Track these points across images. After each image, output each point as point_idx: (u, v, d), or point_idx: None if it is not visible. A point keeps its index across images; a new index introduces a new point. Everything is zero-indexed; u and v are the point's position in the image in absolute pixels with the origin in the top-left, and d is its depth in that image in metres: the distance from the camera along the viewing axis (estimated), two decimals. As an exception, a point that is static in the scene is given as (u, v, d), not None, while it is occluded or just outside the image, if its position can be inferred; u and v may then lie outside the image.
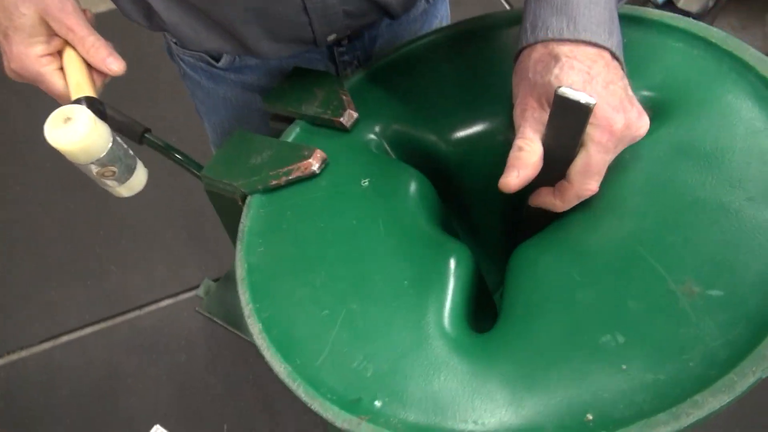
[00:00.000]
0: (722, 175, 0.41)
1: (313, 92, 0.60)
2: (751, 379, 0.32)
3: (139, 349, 1.47)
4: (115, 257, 1.63)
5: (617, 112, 0.38)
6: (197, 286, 1.51)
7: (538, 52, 0.41)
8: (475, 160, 0.55)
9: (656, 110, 0.47)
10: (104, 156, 0.52)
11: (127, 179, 0.58)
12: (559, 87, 0.37)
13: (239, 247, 0.51)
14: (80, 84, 0.54)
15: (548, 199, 0.43)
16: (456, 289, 0.43)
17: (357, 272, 0.46)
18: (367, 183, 0.52)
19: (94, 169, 0.53)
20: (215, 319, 0.83)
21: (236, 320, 0.85)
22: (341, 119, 0.57)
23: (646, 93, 0.47)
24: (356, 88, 0.62)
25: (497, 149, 0.55)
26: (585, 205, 0.43)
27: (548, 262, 0.41)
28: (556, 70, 0.39)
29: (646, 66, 0.49)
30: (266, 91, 0.71)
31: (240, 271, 0.49)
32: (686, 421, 0.31)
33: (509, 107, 0.54)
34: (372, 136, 0.58)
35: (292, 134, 0.59)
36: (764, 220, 0.38)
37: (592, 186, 0.41)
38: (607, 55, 0.40)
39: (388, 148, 0.58)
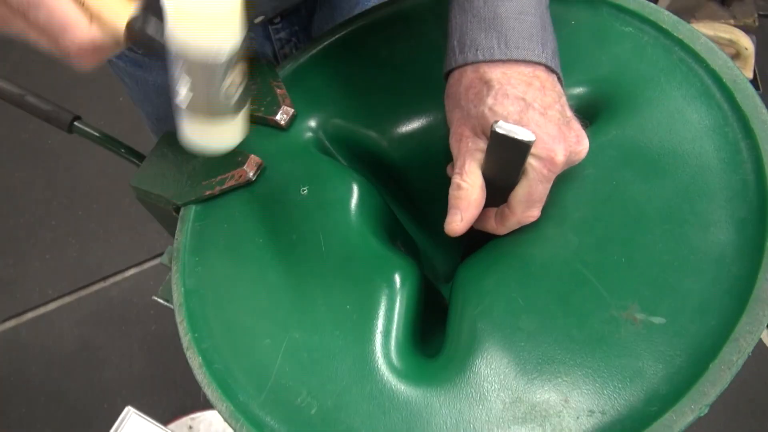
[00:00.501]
0: (668, 187, 0.39)
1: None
2: (689, 418, 0.32)
3: (108, 321, 1.45)
4: (73, 228, 1.58)
5: (558, 143, 0.36)
6: (161, 254, 1.49)
7: (468, 77, 0.38)
8: (419, 157, 0.52)
9: (602, 106, 0.44)
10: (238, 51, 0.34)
11: (216, 116, 0.37)
12: (496, 122, 0.34)
13: (175, 267, 0.48)
14: None
15: (489, 224, 0.42)
16: (402, 311, 0.42)
17: (298, 296, 0.44)
18: (306, 192, 0.49)
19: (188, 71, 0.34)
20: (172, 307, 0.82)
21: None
22: (276, 118, 0.53)
23: (591, 87, 0.45)
24: (291, 77, 0.57)
25: (442, 145, 0.52)
26: (530, 217, 0.41)
27: (492, 285, 0.40)
28: (489, 100, 0.37)
29: (592, 54, 0.46)
30: None
31: (177, 296, 0.47)
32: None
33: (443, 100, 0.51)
34: (310, 133, 0.54)
35: (226, 135, 0.55)
36: (708, 241, 0.36)
37: (534, 213, 0.39)
38: (542, 73, 0.37)
39: (329, 145, 0.54)
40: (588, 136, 0.38)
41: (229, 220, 0.50)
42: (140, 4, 0.35)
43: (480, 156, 0.39)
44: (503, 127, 0.34)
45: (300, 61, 0.57)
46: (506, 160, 0.37)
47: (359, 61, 0.56)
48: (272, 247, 0.47)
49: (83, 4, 0.34)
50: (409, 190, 0.56)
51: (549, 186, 0.38)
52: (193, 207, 0.51)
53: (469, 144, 0.39)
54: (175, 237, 0.50)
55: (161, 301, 0.87)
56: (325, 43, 0.57)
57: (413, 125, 0.52)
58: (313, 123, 0.54)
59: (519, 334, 0.37)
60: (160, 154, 0.55)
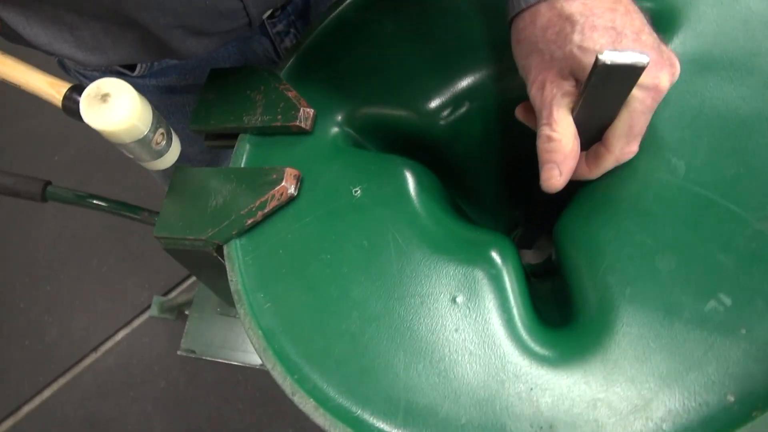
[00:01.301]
0: (756, 83, 0.37)
1: (249, 96, 0.50)
2: None
3: (112, 391, 1.36)
4: (44, 306, 1.47)
5: (660, 68, 0.33)
6: (148, 307, 1.40)
7: (544, 16, 0.35)
8: (457, 126, 0.48)
9: (657, 19, 0.42)
10: (143, 137, 0.43)
11: (158, 158, 0.47)
12: (600, 54, 0.30)
13: (242, 311, 0.43)
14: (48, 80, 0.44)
15: (580, 169, 0.38)
16: (514, 287, 0.38)
17: (395, 305, 0.39)
18: (359, 192, 0.44)
19: (124, 148, 0.44)
20: (203, 357, 0.76)
21: (222, 349, 0.77)
22: (298, 122, 0.48)
23: (644, 3, 0.42)
24: (296, 75, 0.52)
25: (484, 109, 0.48)
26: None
27: (611, 234, 0.37)
28: (576, 37, 0.33)
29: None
30: (195, 88, 0.60)
31: (258, 342, 0.42)
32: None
33: (486, 54, 0.47)
34: (336, 129, 0.49)
35: (244, 156, 0.50)
36: (826, 124, 0.34)
37: (633, 148, 0.36)
38: None
39: (358, 136, 0.50)
40: None
41: (284, 245, 0.44)
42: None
43: (568, 100, 0.35)
44: (611, 57, 0.30)
45: (301, 54, 0.52)
46: (609, 95, 0.33)
47: (364, 38, 0.51)
48: (344, 260, 0.42)
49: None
50: (451, 163, 0.53)
51: (650, 117, 0.35)
52: (237, 241, 0.46)
53: (554, 89, 0.36)
54: (229, 279, 0.45)
55: (185, 353, 0.81)
56: (322, 26, 0.52)
57: (445, 94, 0.48)
58: (336, 117, 0.49)
59: (659, 276, 0.34)
60: (179, 193, 0.49)
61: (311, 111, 0.48)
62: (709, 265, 0.34)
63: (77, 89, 0.43)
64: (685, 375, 0.32)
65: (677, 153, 0.37)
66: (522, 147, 0.43)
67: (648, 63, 0.30)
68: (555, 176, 0.36)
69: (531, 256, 0.58)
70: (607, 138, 0.36)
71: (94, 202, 0.70)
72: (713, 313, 0.33)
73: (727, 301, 0.32)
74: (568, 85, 0.35)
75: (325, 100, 0.50)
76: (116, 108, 0.40)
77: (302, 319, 0.41)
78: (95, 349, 1.40)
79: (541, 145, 0.37)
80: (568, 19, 0.34)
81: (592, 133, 0.37)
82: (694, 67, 0.39)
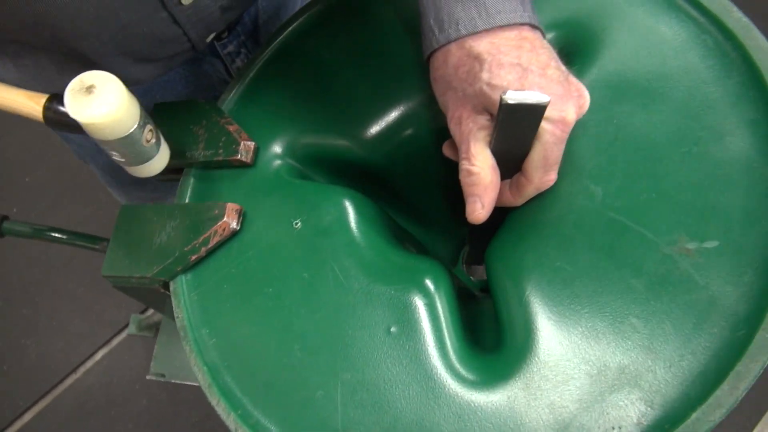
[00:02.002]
0: (669, 109, 0.38)
1: (192, 131, 0.51)
2: (781, 331, 0.31)
3: (94, 411, 1.36)
4: (23, 330, 1.46)
5: (566, 101, 0.34)
6: (126, 325, 1.40)
7: (455, 55, 0.36)
8: (398, 152, 0.50)
9: (573, 48, 0.43)
10: (127, 136, 0.41)
11: (147, 159, 0.45)
12: (503, 93, 0.32)
13: (188, 348, 0.44)
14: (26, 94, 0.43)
15: (505, 197, 0.40)
16: (447, 314, 0.39)
17: (333, 335, 0.41)
18: (299, 224, 0.45)
19: (112, 147, 0.42)
20: (173, 380, 0.76)
21: (192, 373, 0.78)
22: (239, 156, 0.49)
23: (558, 32, 0.43)
24: (238, 107, 0.53)
25: (420, 135, 0.50)
26: (544, 182, 0.40)
27: (532, 261, 0.38)
28: (485, 75, 0.34)
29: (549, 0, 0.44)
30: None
31: (203, 378, 0.43)
32: (737, 394, 0.31)
33: (419, 81, 0.48)
34: (278, 161, 0.50)
35: (188, 191, 0.51)
36: (729, 150, 0.36)
37: (552, 177, 0.38)
38: (528, 33, 0.35)
39: (301, 167, 0.51)
40: None
41: (228, 279, 0.45)
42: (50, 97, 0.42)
43: (484, 134, 0.37)
44: (513, 97, 0.32)
45: (243, 85, 0.53)
46: (518, 130, 0.35)
47: (305, 67, 0.52)
48: (286, 293, 0.43)
49: None
50: (395, 188, 0.54)
51: (563, 147, 0.36)
52: (183, 278, 0.47)
53: (470, 124, 0.37)
54: (175, 315, 0.46)
55: (156, 378, 0.81)
56: (263, 56, 0.53)
57: (383, 121, 0.49)
58: (277, 149, 0.50)
59: (578, 301, 0.36)
60: (125, 232, 0.49)
61: (252, 144, 0.49)
62: (622, 290, 0.35)
63: (56, 98, 0.42)
64: (601, 399, 0.33)
65: (595, 179, 0.39)
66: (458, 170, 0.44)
67: (549, 101, 0.32)
68: (478, 209, 0.38)
69: (483, 271, 0.59)
70: (525, 169, 0.38)
71: (53, 234, 0.70)
72: (626, 336, 0.34)
73: (639, 324, 0.34)
74: (483, 120, 0.36)
75: (266, 132, 0.51)
76: (102, 99, 0.38)
77: (246, 354, 0.42)
78: (75, 370, 1.40)
79: (463, 179, 0.38)
80: (477, 58, 0.35)
81: (512, 163, 0.38)
82: (611, 93, 0.40)
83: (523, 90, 0.33)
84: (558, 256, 0.37)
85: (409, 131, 0.49)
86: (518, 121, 0.34)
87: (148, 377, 0.78)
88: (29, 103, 0.42)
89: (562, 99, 0.34)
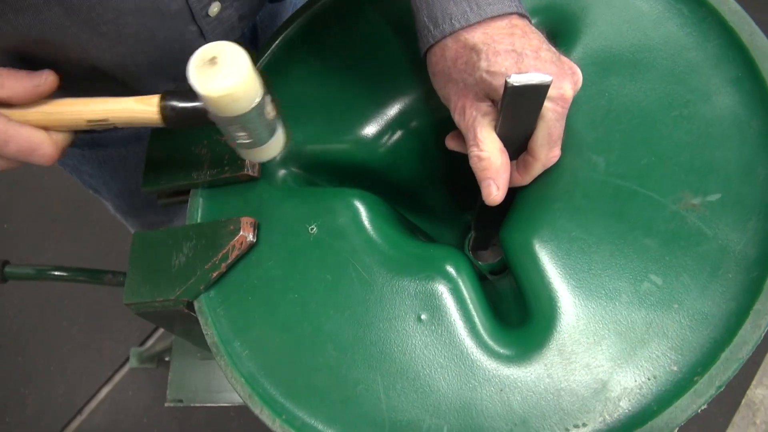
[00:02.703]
0: (655, 77, 0.41)
1: (194, 152, 0.52)
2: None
3: (104, 450, 1.34)
4: (19, 378, 1.43)
5: (562, 79, 0.36)
6: (127, 360, 1.38)
7: (452, 49, 0.38)
8: (400, 150, 0.51)
9: (556, 32, 0.45)
10: (255, 107, 0.38)
11: (271, 136, 0.42)
12: (508, 78, 0.34)
13: (222, 363, 0.45)
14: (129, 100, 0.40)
15: (513, 177, 0.42)
16: (472, 296, 0.41)
17: (366, 332, 0.42)
18: (315, 230, 0.47)
19: (239, 124, 0.39)
20: (191, 404, 0.76)
21: (209, 394, 0.79)
22: (246, 171, 0.49)
23: (539, 18, 0.45)
24: (235, 125, 0.54)
25: (419, 130, 0.51)
26: (547, 162, 0.42)
27: (548, 234, 0.40)
28: (483, 64, 0.36)
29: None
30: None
31: (242, 389, 0.43)
32: (759, 332, 0.33)
33: (414, 77, 0.50)
34: (284, 171, 0.51)
35: (198, 210, 0.51)
36: (717, 109, 0.38)
37: (556, 152, 0.40)
38: (517, 21, 0.38)
39: (308, 175, 0.52)
40: None
41: (252, 291, 0.46)
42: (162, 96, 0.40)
43: (489, 119, 0.39)
44: (517, 79, 0.34)
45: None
46: (523, 111, 0.37)
47: (299, 75, 0.53)
48: (311, 297, 0.44)
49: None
50: (399, 184, 0.55)
51: (564, 123, 0.38)
52: (206, 296, 0.47)
53: (474, 112, 0.39)
54: (205, 334, 0.46)
55: (173, 404, 0.81)
56: (257, 67, 0.54)
57: (380, 121, 0.50)
58: (280, 158, 0.51)
59: (597, 266, 0.38)
60: (141, 258, 0.50)
61: (256, 158, 0.50)
62: (637, 250, 0.37)
63: (168, 96, 0.40)
64: (633, 354, 0.35)
65: (596, 150, 0.41)
66: (460, 157, 0.46)
67: (550, 80, 0.34)
68: (493, 191, 0.39)
69: (489, 255, 0.61)
70: (532, 148, 0.40)
71: (56, 273, 0.70)
72: (648, 293, 0.36)
73: (658, 280, 0.36)
74: (485, 106, 0.38)
75: (268, 144, 0.51)
76: (228, 68, 0.36)
77: (281, 360, 0.43)
78: (80, 411, 1.38)
79: (474, 165, 0.40)
80: (473, 49, 0.37)
81: (518, 144, 0.40)
82: (599, 68, 0.43)
83: (522, 73, 0.35)
84: (572, 227, 0.39)
85: (406, 128, 0.51)
86: (523, 103, 0.36)
87: (166, 404, 0.78)
88: (143, 107, 0.40)
89: (559, 77, 0.36)
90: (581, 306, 0.37)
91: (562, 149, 0.41)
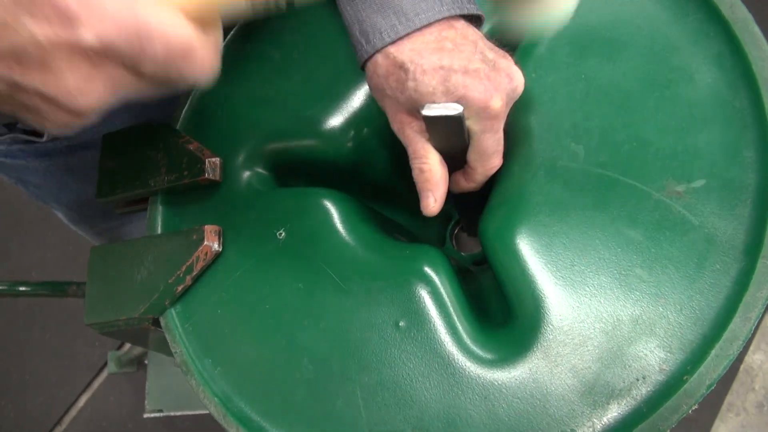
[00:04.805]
0: (634, 57, 0.39)
1: (150, 157, 0.49)
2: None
3: (88, 459, 1.31)
4: (-5, 390, 1.39)
5: (490, 95, 0.35)
6: (105, 365, 1.35)
7: (382, 65, 0.36)
8: (368, 146, 0.49)
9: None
10: None
11: None
12: (421, 109, 0.34)
13: (194, 382, 0.42)
14: None
15: (461, 185, 0.42)
16: (452, 297, 0.39)
17: (340, 340, 0.40)
18: (283, 234, 0.44)
19: None
20: (172, 413, 0.74)
21: (190, 401, 0.76)
22: (206, 175, 0.46)
23: None
24: (194, 124, 0.51)
25: (388, 124, 0.49)
26: (522, 152, 0.40)
27: (528, 229, 0.38)
28: (410, 84, 0.35)
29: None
30: None
31: (216, 409, 0.41)
32: (749, 325, 0.31)
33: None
34: (248, 172, 0.48)
35: (158, 220, 0.48)
36: (699, 88, 0.36)
37: (495, 162, 0.40)
38: (448, 30, 0.35)
39: (274, 176, 0.49)
40: (522, 56, 0.38)
41: (221, 304, 0.44)
42: None
43: (426, 135, 0.38)
44: (431, 109, 0.34)
45: (194, 100, 0.51)
46: (448, 133, 0.37)
47: (253, 72, 0.50)
48: (284, 307, 0.42)
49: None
50: (371, 180, 0.53)
51: (500, 134, 0.38)
52: (172, 311, 0.45)
53: (413, 126, 0.38)
54: (173, 352, 0.44)
55: (154, 414, 0.78)
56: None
57: (344, 116, 0.48)
58: (245, 160, 0.48)
59: (581, 261, 0.36)
60: (101, 275, 0.47)
61: (217, 160, 0.47)
62: (621, 243, 0.35)
63: None
64: (620, 353, 0.33)
65: (575, 138, 0.39)
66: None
67: (461, 112, 0.34)
68: (431, 203, 0.40)
69: (474, 243, 0.60)
70: (468, 161, 0.40)
71: (19, 289, 0.66)
72: (634, 288, 0.34)
73: (644, 274, 0.34)
74: (420, 123, 0.38)
75: (229, 145, 0.49)
76: None
77: (255, 377, 0.41)
78: (59, 421, 1.35)
79: (416, 177, 0.40)
80: (402, 67, 0.35)
81: (457, 156, 0.40)
82: (575, 49, 0.40)
83: (447, 92, 0.34)
84: (553, 221, 0.37)
85: (373, 121, 0.48)
86: (445, 127, 0.36)
87: (145, 416, 0.75)
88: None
89: (486, 93, 0.35)
90: (565, 304, 0.35)
91: (539, 136, 0.39)
